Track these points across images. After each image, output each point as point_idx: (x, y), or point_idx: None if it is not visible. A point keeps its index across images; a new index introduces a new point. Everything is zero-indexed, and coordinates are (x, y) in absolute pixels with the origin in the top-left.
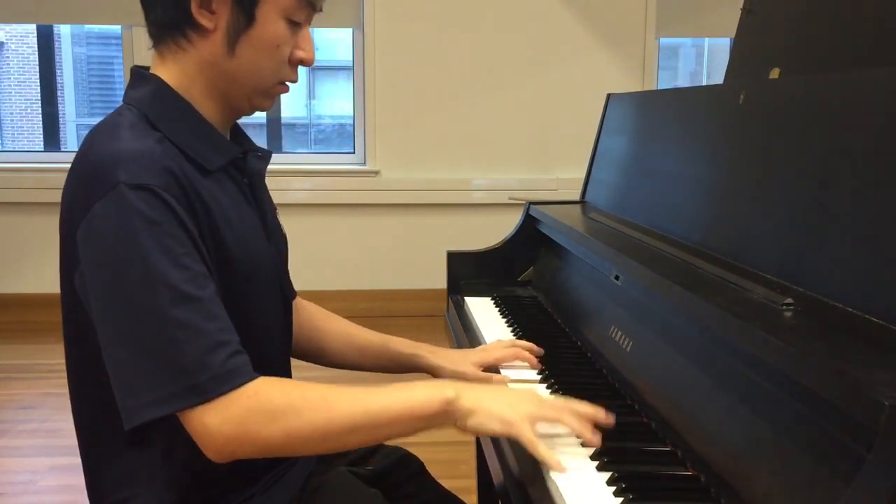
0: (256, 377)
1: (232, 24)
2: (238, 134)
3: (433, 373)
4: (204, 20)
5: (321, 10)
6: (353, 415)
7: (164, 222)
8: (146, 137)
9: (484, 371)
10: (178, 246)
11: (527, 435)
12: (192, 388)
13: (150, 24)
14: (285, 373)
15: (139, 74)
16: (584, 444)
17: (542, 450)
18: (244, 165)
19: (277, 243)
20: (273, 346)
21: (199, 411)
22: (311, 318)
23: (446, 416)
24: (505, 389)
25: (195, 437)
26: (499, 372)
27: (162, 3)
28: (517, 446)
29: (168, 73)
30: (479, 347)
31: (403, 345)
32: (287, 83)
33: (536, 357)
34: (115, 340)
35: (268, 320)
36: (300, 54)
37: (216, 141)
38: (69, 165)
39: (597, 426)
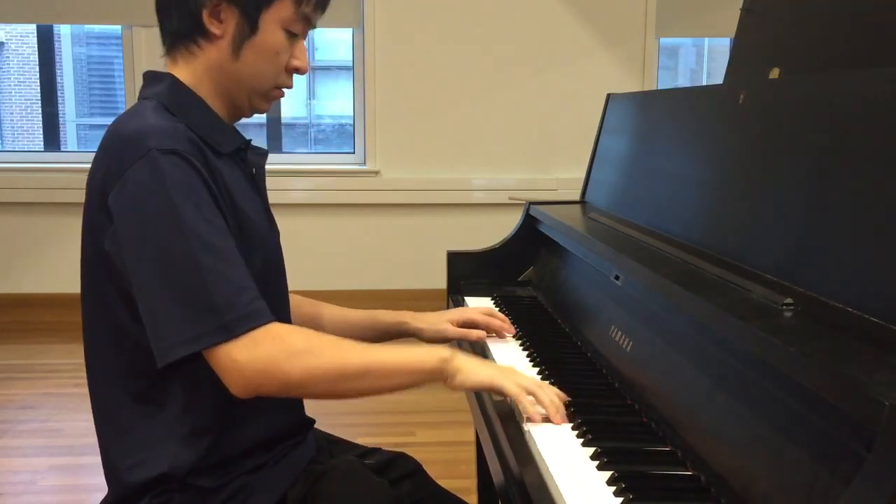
0: (274, 319)
1: (238, 31)
2: (238, 132)
3: (417, 335)
4: (213, 28)
5: (315, 26)
6: (363, 362)
7: (192, 183)
8: (168, 119)
9: (461, 327)
10: (203, 204)
11: (510, 386)
12: (222, 327)
13: (164, 34)
14: None
15: (154, 75)
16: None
17: (525, 400)
18: (246, 158)
19: (277, 236)
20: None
21: (228, 349)
22: (300, 305)
23: (439, 373)
24: (492, 362)
25: (223, 374)
26: (476, 327)
27: (177, 14)
28: (517, 446)
29: (180, 73)
30: (457, 308)
31: (389, 315)
32: (283, 88)
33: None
34: (148, 288)
35: (271, 296)
36: (295, 63)
37: (225, 129)
38: (69, 165)
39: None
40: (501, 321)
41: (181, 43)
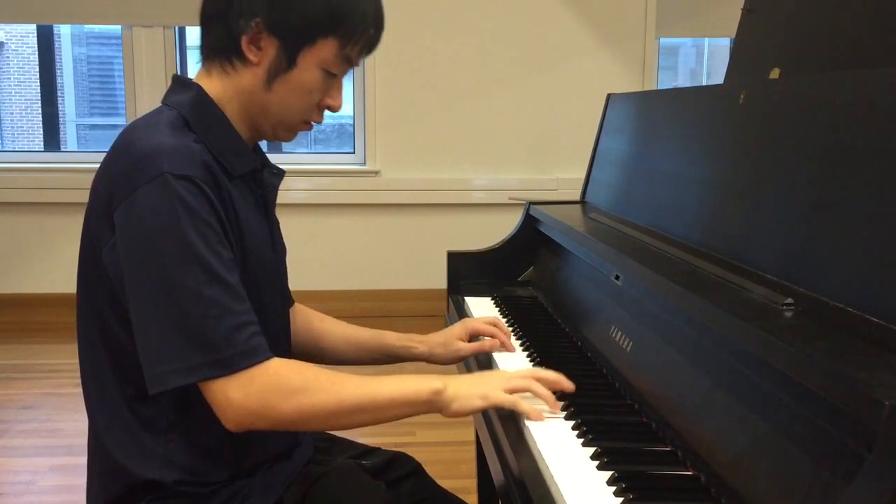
0: (273, 357)
1: (274, 63)
2: (257, 150)
3: (428, 359)
4: (251, 55)
5: (358, 65)
6: (356, 398)
7: (202, 210)
8: (184, 136)
9: (470, 340)
10: (212, 233)
11: (505, 398)
12: (218, 362)
13: (203, 43)
14: None
15: (181, 81)
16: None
17: (523, 405)
18: (261, 179)
19: (281, 255)
20: (275, 346)
21: (223, 384)
22: (308, 321)
23: (433, 405)
24: (480, 374)
25: (217, 409)
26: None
27: (217, 32)
28: (517, 446)
29: (210, 86)
30: (458, 323)
31: (395, 338)
32: (311, 123)
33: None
34: (147, 312)
35: (270, 322)
36: (329, 102)
37: (242, 150)
38: (69, 165)
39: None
40: (506, 334)
41: (217, 58)
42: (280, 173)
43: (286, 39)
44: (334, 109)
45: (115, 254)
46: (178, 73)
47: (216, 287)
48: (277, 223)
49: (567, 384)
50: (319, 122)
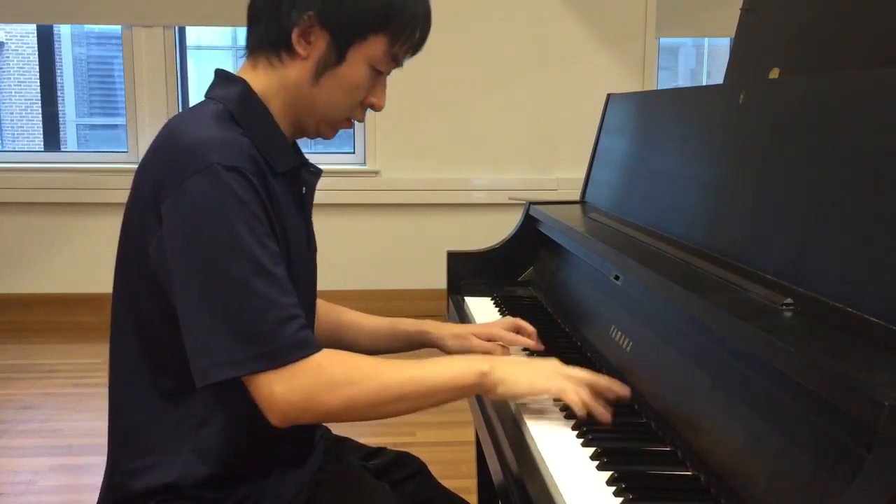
0: (320, 349)
1: (323, 57)
2: (296, 148)
3: (439, 346)
4: (300, 48)
5: (402, 66)
6: (401, 384)
7: (251, 202)
8: (231, 129)
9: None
10: (260, 226)
11: (554, 385)
12: (265, 355)
13: (250, 36)
14: None
15: (226, 76)
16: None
17: (572, 396)
18: (300, 177)
19: (314, 254)
20: None
21: (268, 379)
22: (325, 313)
23: (479, 387)
24: (531, 360)
25: (261, 403)
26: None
27: (267, 24)
28: (517, 446)
29: (256, 80)
30: (484, 324)
31: (409, 324)
32: (353, 120)
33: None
34: (195, 305)
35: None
36: (373, 99)
37: (284, 147)
38: (69, 165)
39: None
40: (528, 336)
41: (264, 52)
42: (317, 172)
43: (337, 34)
44: (377, 108)
45: (164, 246)
46: (179, 72)
47: (263, 280)
48: (311, 222)
49: (621, 388)
50: (361, 121)
